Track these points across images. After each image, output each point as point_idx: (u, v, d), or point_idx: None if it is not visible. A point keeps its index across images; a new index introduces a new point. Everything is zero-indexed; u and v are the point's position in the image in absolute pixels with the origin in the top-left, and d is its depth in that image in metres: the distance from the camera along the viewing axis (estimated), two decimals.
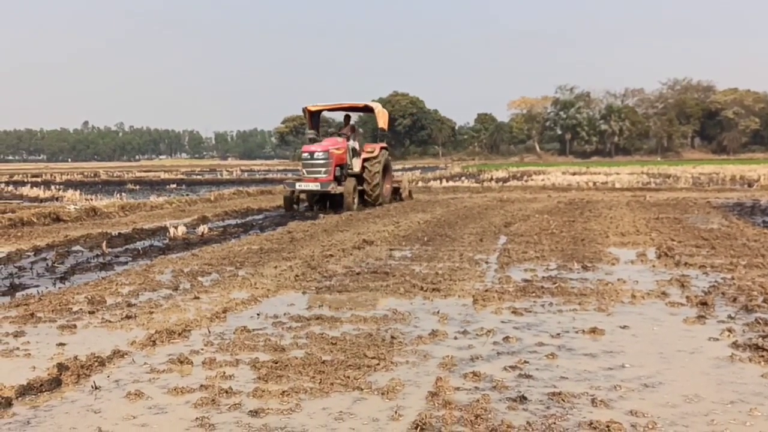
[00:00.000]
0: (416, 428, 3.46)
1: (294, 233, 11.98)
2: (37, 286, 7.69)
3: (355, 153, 18.60)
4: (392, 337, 5.21)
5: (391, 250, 10.04)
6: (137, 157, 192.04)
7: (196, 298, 6.78)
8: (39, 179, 39.86)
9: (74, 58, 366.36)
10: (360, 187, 17.94)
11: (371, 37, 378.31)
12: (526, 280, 7.47)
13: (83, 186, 32.59)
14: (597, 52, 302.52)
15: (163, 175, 47.24)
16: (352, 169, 18.21)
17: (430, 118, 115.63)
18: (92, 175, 50.17)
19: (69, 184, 33.59)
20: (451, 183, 30.29)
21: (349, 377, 4.27)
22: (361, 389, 4.09)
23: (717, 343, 5.07)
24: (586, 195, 22.20)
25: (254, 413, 3.73)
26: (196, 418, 3.66)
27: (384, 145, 19.44)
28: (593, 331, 5.34)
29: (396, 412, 3.70)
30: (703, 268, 8.11)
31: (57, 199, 21.59)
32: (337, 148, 17.87)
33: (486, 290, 6.90)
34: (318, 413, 3.73)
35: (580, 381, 4.22)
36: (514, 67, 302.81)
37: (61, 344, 5.18)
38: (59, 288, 7.51)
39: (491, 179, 33.86)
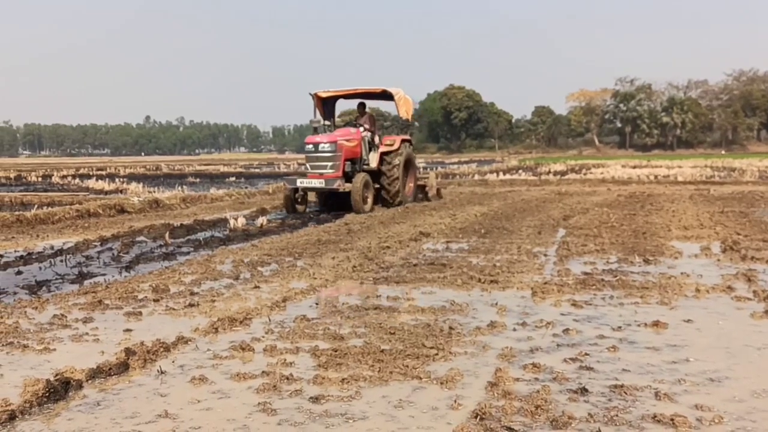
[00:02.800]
0: (476, 417, 3.45)
1: (351, 225, 12.05)
2: (104, 274, 7.91)
3: (372, 146, 16.11)
4: (450, 328, 5.20)
5: (448, 242, 10.02)
6: (197, 150, 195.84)
7: (257, 287, 6.88)
8: (104, 172, 40.92)
9: (137, 56, 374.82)
10: (376, 185, 15.71)
11: (427, 31, 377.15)
12: (586, 273, 7.37)
13: (146, 179, 33.37)
14: (658, 43, 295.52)
15: (223, 169, 47.96)
16: (368, 164, 15.86)
17: (486, 111, 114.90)
18: (154, 168, 51.27)
19: (132, 177, 34.42)
20: (508, 176, 30.04)
21: (408, 366, 4.29)
22: (420, 378, 4.10)
23: None
24: (647, 188, 21.76)
25: (315, 399, 3.77)
26: (259, 403, 3.72)
27: (406, 137, 17.12)
28: (656, 324, 5.24)
29: (455, 402, 3.70)
30: None
31: (121, 191, 22.13)
32: (348, 140, 15.40)
33: (545, 283, 6.83)
34: (377, 401, 3.76)
35: (643, 374, 4.15)
36: (572, 60, 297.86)
37: (128, 330, 5.32)
38: (125, 277, 7.71)
39: (549, 172, 33.46)
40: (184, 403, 3.77)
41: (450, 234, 10.89)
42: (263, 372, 4.23)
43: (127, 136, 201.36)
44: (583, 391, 3.83)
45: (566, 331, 5.11)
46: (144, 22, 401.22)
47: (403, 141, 16.43)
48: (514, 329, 5.22)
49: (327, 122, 16.30)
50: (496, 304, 6.02)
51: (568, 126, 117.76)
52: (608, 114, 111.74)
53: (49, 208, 14.33)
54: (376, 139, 16.22)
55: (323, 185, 14.90)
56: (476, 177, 29.39)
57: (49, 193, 21.25)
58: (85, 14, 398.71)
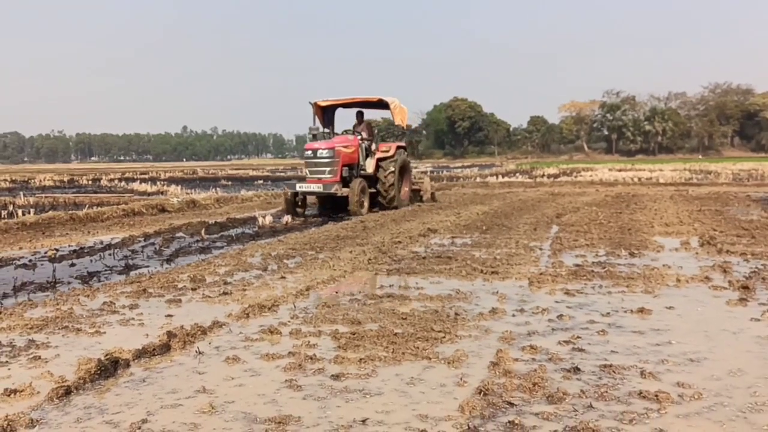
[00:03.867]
0: (480, 393, 3.44)
1: (366, 222, 12.04)
2: (147, 266, 7.94)
3: (369, 152, 15.38)
4: (456, 314, 5.18)
5: (453, 237, 9.99)
6: (228, 157, 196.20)
7: (283, 277, 6.88)
8: (146, 176, 41.07)
9: (174, 71, 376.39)
10: (372, 190, 14.90)
11: (433, 47, 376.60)
12: (577, 265, 7.32)
13: (183, 182, 33.46)
14: (641, 58, 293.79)
15: (251, 173, 48.04)
16: (365, 170, 15.08)
17: (486, 121, 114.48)
18: (191, 172, 51.44)
19: (171, 180, 34.55)
20: (506, 179, 29.91)
21: (418, 348, 4.28)
22: (430, 358, 4.08)
23: (759, 323, 4.87)
24: (632, 189, 21.60)
25: (336, 377, 3.77)
26: (286, 380, 3.72)
27: (401, 143, 16.27)
28: (641, 310, 5.20)
29: (461, 379, 3.69)
30: (744, 256, 7.79)
31: (162, 192, 22.19)
32: (346, 146, 14.65)
33: (540, 273, 6.79)
34: (392, 378, 3.75)
35: (630, 355, 4.12)
36: (563, 73, 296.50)
37: (169, 315, 5.33)
38: (166, 268, 7.73)
39: (543, 175, 33.26)
40: (219, 380, 3.78)
41: (455, 230, 10.86)
42: (289, 353, 4.24)
43: (166, 144, 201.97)
44: (576, 370, 3.80)
45: (560, 316, 5.08)
46: (178, 39, 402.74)
47: (398, 147, 15.69)
48: (513, 315, 5.19)
49: (326, 130, 15.57)
50: (497, 292, 5.99)
51: (560, 134, 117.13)
52: (596, 123, 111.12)
53: (99, 208, 14.40)
54: (373, 146, 15.56)
55: (321, 190, 14.19)
56: (478, 179, 29.25)
57: (98, 195, 21.36)
58: (125, 33, 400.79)
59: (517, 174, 35.27)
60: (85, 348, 4.45)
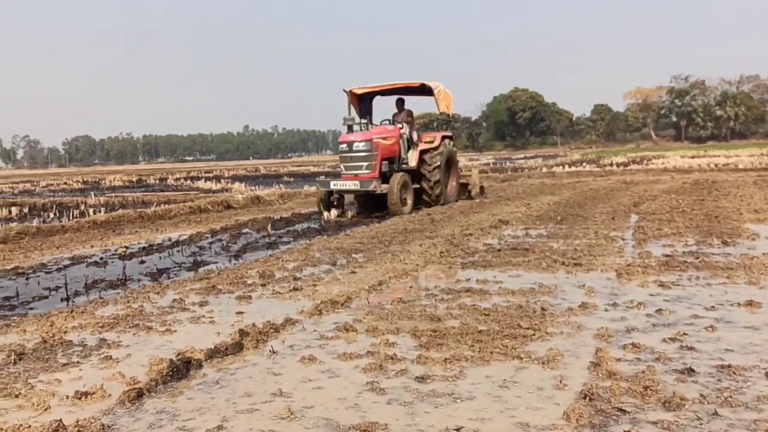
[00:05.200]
0: (584, 398, 3.09)
1: (433, 215, 11.71)
2: (215, 262, 7.83)
3: (411, 144, 13.79)
4: (543, 309, 4.82)
5: (526, 228, 9.56)
6: (289, 154, 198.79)
7: (353, 272, 6.63)
8: (210, 175, 41.77)
9: (237, 71, 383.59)
10: (416, 185, 13.39)
11: (493, 36, 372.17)
12: (666, 255, 6.82)
13: (247, 179, 33.83)
14: (712, 41, 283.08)
15: (312, 169, 48.25)
16: (407, 163, 13.56)
17: (548, 111, 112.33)
18: (253, 170, 52.09)
19: (235, 178, 34.98)
20: (573, 168, 29.02)
21: (507, 346, 3.94)
22: (521, 358, 3.75)
23: None
24: (710, 176, 20.55)
25: (420, 379, 3.47)
26: (367, 383, 3.45)
27: (447, 133, 14.69)
28: (749, 304, 4.72)
29: (561, 382, 3.34)
30: None
31: (226, 190, 22.37)
32: (384, 138, 13.04)
33: (628, 265, 6.33)
34: (482, 381, 3.43)
35: (748, 354, 3.68)
36: (629, 59, 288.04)
37: (240, 313, 5.15)
38: (234, 264, 7.60)
39: (611, 164, 32.17)
40: (296, 382, 3.53)
41: (527, 221, 10.42)
42: (368, 352, 3.96)
43: (229, 143, 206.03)
44: (690, 371, 3.40)
45: (659, 311, 4.65)
46: (238, 40, 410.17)
47: (443, 138, 14.09)
48: (606, 310, 4.79)
49: (364, 120, 14.05)
50: (584, 285, 5.59)
51: (626, 122, 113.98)
52: (664, 109, 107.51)
53: (166, 206, 14.53)
54: (415, 136, 13.91)
55: (358, 187, 12.58)
56: (544, 170, 28.45)
57: (165, 193, 21.71)
58: (185, 37, 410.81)
59: (584, 163, 34.22)
60: (156, 347, 4.29)
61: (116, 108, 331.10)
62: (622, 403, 3.04)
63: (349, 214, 13.05)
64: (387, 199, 12.47)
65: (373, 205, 13.48)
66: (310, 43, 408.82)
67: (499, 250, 7.60)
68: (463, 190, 15.40)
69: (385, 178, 12.79)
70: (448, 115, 15.17)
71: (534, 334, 4.18)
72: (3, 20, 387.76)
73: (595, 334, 4.15)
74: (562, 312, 4.74)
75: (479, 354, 3.84)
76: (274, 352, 4.06)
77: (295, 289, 5.89)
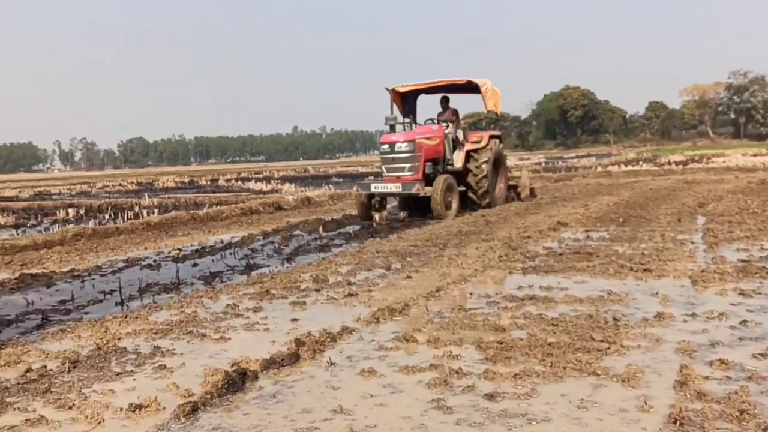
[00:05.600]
0: (674, 423, 2.81)
1: (487, 217, 11.42)
2: (268, 265, 7.73)
3: (457, 144, 13.27)
4: (615, 319, 4.52)
5: (587, 231, 9.21)
6: (337, 155, 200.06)
7: (409, 277, 6.43)
8: (260, 175, 42.15)
9: (286, 74, 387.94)
10: (461, 188, 12.83)
11: (543, 34, 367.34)
12: (743, 260, 6.42)
13: (296, 180, 33.98)
14: None
15: (361, 169, 48.26)
16: (452, 164, 13.04)
17: (601, 109, 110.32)
18: (302, 171, 52.43)
19: (284, 179, 35.18)
20: (629, 167, 28.25)
21: (581, 361, 3.67)
22: (597, 375, 3.48)
23: None
24: None
25: (490, 397, 3.24)
26: (432, 400, 3.24)
27: (495, 132, 14.12)
28: None
29: (645, 403, 3.06)
30: None
31: (276, 191, 22.45)
32: (428, 138, 12.51)
33: (702, 271, 5.96)
34: (557, 400, 3.18)
35: None
36: (685, 56, 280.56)
37: (295, 319, 4.99)
38: (287, 267, 7.49)
39: (669, 163, 31.23)
40: (356, 397, 3.34)
41: (587, 223, 10.05)
42: (431, 365, 3.74)
43: (278, 144, 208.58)
44: None
45: (743, 322, 4.31)
46: (288, 45, 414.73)
47: (491, 137, 13.49)
48: (685, 320, 4.47)
49: (407, 120, 13.55)
50: (657, 293, 5.26)
51: (682, 119, 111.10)
52: (722, 106, 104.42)
53: (218, 207, 14.59)
54: (461, 135, 13.36)
55: (400, 190, 12.07)
56: (599, 169, 27.74)
57: (217, 194, 21.88)
58: (237, 41, 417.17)
59: (640, 162, 33.29)
60: (210, 356, 4.16)
61: (169, 111, 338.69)
62: (717, 429, 2.75)
63: (385, 215, 12.58)
64: (430, 202, 11.94)
65: (416, 208, 12.92)
66: (356, 45, 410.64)
67: (560, 254, 7.29)
68: (512, 192, 14.81)
69: (428, 180, 12.28)
70: (496, 114, 14.66)
71: (609, 348, 3.90)
72: (61, 27, 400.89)
73: (677, 348, 3.84)
74: (636, 323, 4.44)
75: (551, 369, 3.58)
76: (332, 364, 3.87)
77: (350, 295, 5.72)
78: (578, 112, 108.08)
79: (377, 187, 12.27)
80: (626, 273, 6.13)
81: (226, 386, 3.48)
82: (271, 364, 3.86)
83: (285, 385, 3.58)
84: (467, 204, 13.01)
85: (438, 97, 14.08)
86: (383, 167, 12.67)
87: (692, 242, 7.75)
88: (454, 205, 12.29)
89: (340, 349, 4.18)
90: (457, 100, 13.98)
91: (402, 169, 12.25)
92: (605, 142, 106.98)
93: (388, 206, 13.16)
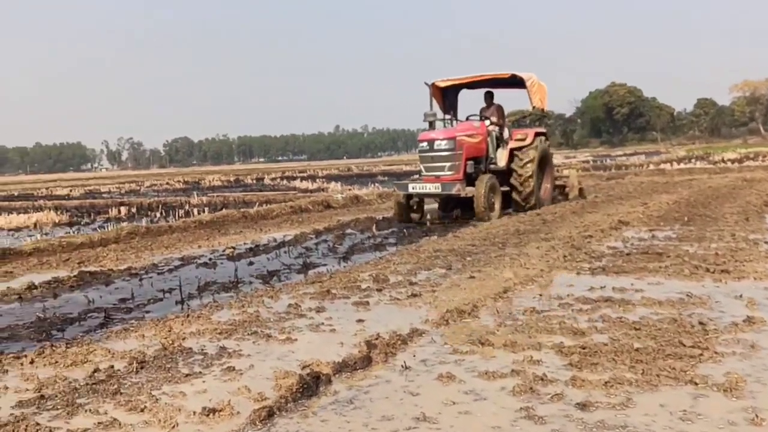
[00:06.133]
0: None
1: (544, 215, 11.13)
2: (324, 264, 7.62)
3: (500, 142, 12.53)
4: (701, 323, 4.26)
5: (651, 230, 8.87)
6: (379, 153, 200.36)
7: (472, 277, 6.22)
8: (305, 174, 42.33)
9: (329, 71, 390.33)
10: (504, 188, 12.08)
11: (589, 32, 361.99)
12: None
13: (340, 178, 34.02)
14: None
15: (405, 168, 48.08)
16: (495, 163, 12.32)
17: (648, 106, 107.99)
18: (346, 169, 52.51)
19: (329, 177, 35.23)
20: (682, 165, 27.46)
21: (674, 368, 3.43)
22: (696, 383, 3.24)
23: None
24: None
25: (582, 406, 3.03)
26: (521, 408, 3.05)
27: (541, 130, 13.23)
28: None
29: (756, 416, 2.82)
30: None
31: (322, 189, 22.44)
32: (470, 135, 11.79)
33: None
34: (657, 411, 2.95)
35: None
36: (734, 52, 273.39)
37: (360, 320, 4.84)
38: (344, 267, 7.36)
39: (723, 161, 30.29)
40: (438, 404, 3.17)
41: (649, 222, 9.70)
42: (512, 371, 3.55)
43: (320, 143, 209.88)
44: None
45: None
46: (330, 44, 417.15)
47: (537, 134, 12.68)
48: None
49: (447, 116, 12.95)
50: (740, 296, 4.97)
51: (732, 116, 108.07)
52: None
53: (267, 206, 14.59)
54: (505, 133, 12.66)
55: (440, 190, 11.40)
56: (651, 167, 27.07)
57: (265, 193, 21.97)
58: (279, 42, 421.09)
59: (693, 160, 32.37)
60: (278, 358, 4.03)
61: (213, 110, 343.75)
62: None
63: (429, 217, 12.18)
64: (472, 203, 11.30)
65: (455, 208, 12.40)
66: (398, 42, 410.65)
67: (628, 254, 7.01)
68: (559, 192, 14.15)
69: (470, 179, 11.58)
70: (542, 110, 13.46)
71: (702, 354, 3.65)
72: (103, 28, 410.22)
73: None
74: (725, 327, 4.17)
75: (643, 377, 3.35)
76: (406, 368, 3.71)
77: (414, 295, 5.55)
78: (624, 110, 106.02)
79: (415, 188, 11.65)
80: (702, 274, 5.82)
81: (300, 390, 3.35)
82: (343, 367, 3.71)
83: (360, 390, 3.43)
84: (511, 205, 12.40)
85: (479, 92, 13.46)
86: (422, 166, 12.00)
87: (766, 242, 7.37)
88: (497, 207, 11.67)
89: (412, 352, 4.02)
90: (500, 97, 13.44)
91: (442, 168, 11.55)
92: (652, 140, 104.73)
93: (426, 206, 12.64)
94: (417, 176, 12.13)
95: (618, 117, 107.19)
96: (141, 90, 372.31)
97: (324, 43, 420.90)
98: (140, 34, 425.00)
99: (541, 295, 5.38)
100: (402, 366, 3.73)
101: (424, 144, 11.80)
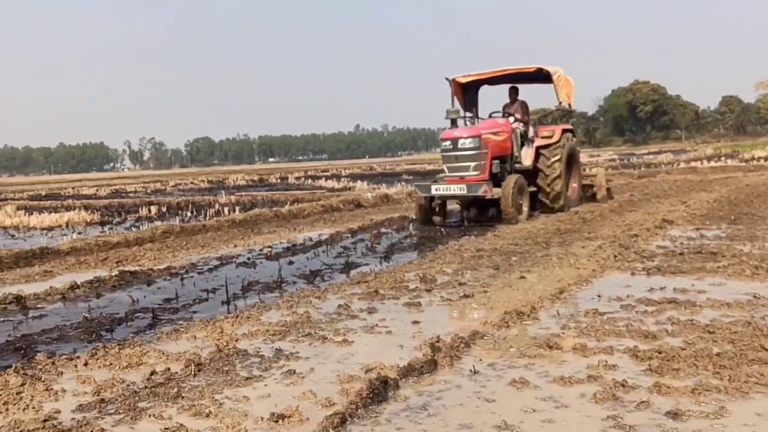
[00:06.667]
0: None
1: (582, 214, 10.94)
2: (366, 264, 7.49)
3: (525, 139, 12.00)
4: None
5: (697, 229, 8.64)
6: (399, 153, 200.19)
7: (522, 277, 6.06)
8: (328, 173, 42.28)
9: (349, 70, 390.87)
10: (531, 188, 11.49)
11: (610, 27, 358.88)
12: None
13: (364, 178, 33.86)
14: None
15: (428, 167, 47.87)
16: (520, 162, 11.77)
17: (672, 104, 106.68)
18: (368, 168, 52.40)
19: (352, 177, 35.12)
20: (713, 163, 26.98)
21: (763, 375, 3.25)
22: None
23: None
24: None
25: (673, 415, 2.86)
26: (607, 417, 2.88)
27: (567, 126, 12.59)
28: None
29: None
30: None
31: (349, 188, 22.32)
32: (495, 133, 11.17)
33: None
34: (756, 421, 2.77)
35: None
36: (760, 49, 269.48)
37: (415, 322, 4.70)
38: (387, 266, 7.22)
39: (753, 159, 29.73)
40: (517, 411, 3.01)
41: (693, 221, 9.46)
42: (589, 376, 3.39)
43: (341, 143, 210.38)
44: None
45: None
46: (350, 43, 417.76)
47: (563, 131, 12.05)
48: None
49: (468, 113, 12.36)
50: None
51: (758, 114, 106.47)
52: None
53: (299, 205, 14.51)
54: (530, 130, 12.14)
55: (465, 192, 10.72)
56: (681, 165, 26.62)
57: (291, 192, 21.89)
58: (298, 40, 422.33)
59: (722, 158, 31.82)
60: (338, 360, 3.90)
61: (234, 110, 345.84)
62: None
63: (465, 215, 11.61)
64: (499, 205, 10.68)
65: (479, 210, 11.72)
66: (417, 42, 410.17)
67: (680, 254, 6.80)
68: (586, 192, 13.46)
69: (495, 180, 10.94)
70: (569, 106, 12.44)
71: None
72: (125, 29, 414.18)
73: None
74: None
75: (731, 384, 3.17)
76: (475, 372, 3.56)
77: (466, 296, 5.40)
78: (648, 108, 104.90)
79: (438, 189, 10.95)
80: (765, 275, 5.61)
81: (370, 396, 3.21)
82: (409, 371, 3.57)
83: (432, 395, 3.28)
84: (537, 205, 11.80)
85: (498, 89, 12.91)
86: (444, 166, 11.27)
87: None
88: (525, 208, 11.03)
89: (477, 355, 3.87)
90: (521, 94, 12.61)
91: (466, 168, 10.88)
92: (676, 139, 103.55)
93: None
94: (439, 177, 11.65)
95: (641, 115, 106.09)
96: (163, 90, 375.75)
97: (343, 43, 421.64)
98: (161, 35, 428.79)
99: (599, 296, 5.20)
100: (470, 370, 3.58)
101: (447, 143, 11.11)
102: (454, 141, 10.97)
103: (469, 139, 10.85)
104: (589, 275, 5.98)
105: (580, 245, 7.69)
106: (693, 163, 26.92)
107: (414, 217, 11.92)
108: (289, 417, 3.04)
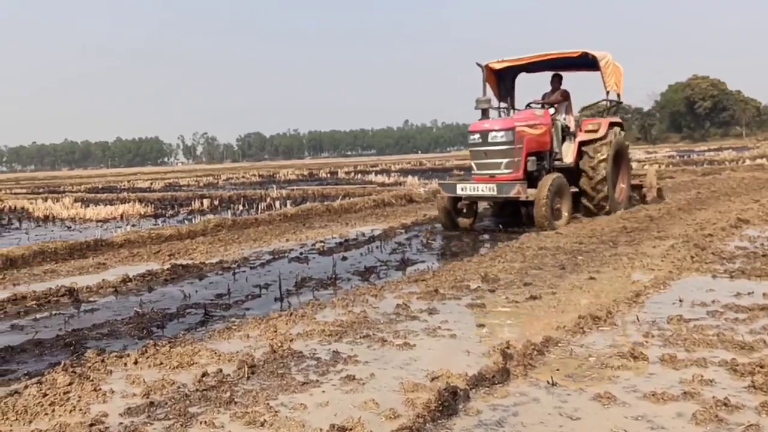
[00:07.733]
0: None
1: (649, 212, 10.37)
2: (422, 261, 7.21)
3: (567, 133, 10.63)
4: None
5: None
6: (448, 148, 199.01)
7: (591, 278, 5.67)
8: (377, 168, 42.09)
9: (398, 66, 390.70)
10: (573, 189, 10.12)
11: (668, 21, 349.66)
12: None
13: (414, 173, 33.50)
14: None
15: None
16: (560, 159, 10.44)
17: (732, 100, 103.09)
18: (417, 164, 52.03)
19: (401, 172, 34.81)
20: None
21: None
22: None
23: None
24: None
25: None
26: None
27: (615, 119, 11.09)
28: None
29: None
30: None
31: (399, 183, 22.02)
32: (531, 125, 9.76)
33: None
34: None
35: None
36: None
37: (480, 325, 4.39)
38: (444, 264, 6.91)
39: None
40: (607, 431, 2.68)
41: None
42: (684, 393, 3.02)
43: (389, 138, 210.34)
44: None
45: None
46: (400, 40, 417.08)
47: (611, 125, 10.67)
48: None
49: (503, 104, 11.08)
50: None
51: None
52: None
53: (350, 199, 14.29)
54: (572, 123, 10.74)
55: (495, 192, 9.36)
56: (747, 162, 25.49)
57: (342, 187, 21.71)
58: (346, 38, 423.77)
59: None
60: (399, 366, 3.62)
61: (285, 106, 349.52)
62: None
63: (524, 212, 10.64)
64: (533, 208, 9.37)
65: (512, 212, 10.70)
66: (467, 34, 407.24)
67: (764, 256, 6.29)
68: (636, 193, 12.10)
69: (531, 179, 9.68)
70: (617, 96, 11.18)
71: None
72: (177, 29, 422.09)
73: None
74: None
75: None
76: (553, 384, 3.23)
77: (533, 297, 5.05)
78: (707, 103, 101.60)
79: (465, 189, 9.60)
80: None
81: (438, 408, 2.91)
82: (479, 381, 3.26)
83: (507, 410, 2.96)
84: (579, 208, 10.48)
85: (539, 78, 11.61)
86: (473, 163, 9.95)
87: None
88: (566, 213, 9.65)
89: (553, 364, 3.53)
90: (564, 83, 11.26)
91: (497, 166, 9.58)
92: (736, 135, 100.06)
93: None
94: (465, 174, 10.66)
95: (700, 111, 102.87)
96: (216, 85, 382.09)
97: (393, 39, 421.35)
98: (213, 31, 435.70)
99: (681, 300, 4.78)
100: (548, 382, 3.25)
101: (476, 136, 9.75)
102: (484, 134, 9.65)
103: (501, 132, 9.54)
104: (665, 277, 5.55)
105: (650, 245, 7.24)
106: (759, 161, 25.76)
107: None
108: (351, 430, 2.76)
